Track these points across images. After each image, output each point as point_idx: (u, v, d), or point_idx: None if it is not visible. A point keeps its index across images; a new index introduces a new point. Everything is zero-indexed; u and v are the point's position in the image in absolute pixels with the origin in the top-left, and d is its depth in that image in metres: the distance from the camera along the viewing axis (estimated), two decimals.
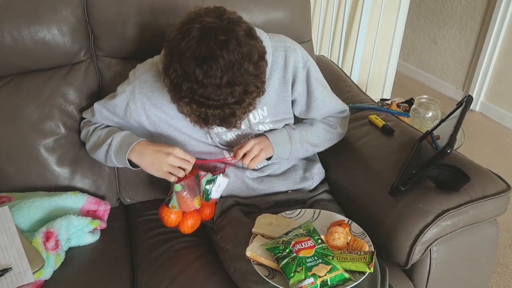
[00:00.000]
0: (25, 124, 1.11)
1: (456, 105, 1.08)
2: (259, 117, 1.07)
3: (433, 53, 3.25)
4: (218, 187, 1.05)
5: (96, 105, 1.08)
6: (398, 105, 1.71)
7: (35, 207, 1.02)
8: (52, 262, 0.94)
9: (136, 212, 1.23)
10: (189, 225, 1.07)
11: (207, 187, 1.03)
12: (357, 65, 2.17)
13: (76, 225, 1.03)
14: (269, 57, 0.96)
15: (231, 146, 1.09)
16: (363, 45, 2.13)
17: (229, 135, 1.08)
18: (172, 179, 1.00)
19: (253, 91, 0.85)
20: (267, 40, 0.98)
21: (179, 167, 0.99)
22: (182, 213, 1.06)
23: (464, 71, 3.02)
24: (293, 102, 1.10)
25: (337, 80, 1.52)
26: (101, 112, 1.07)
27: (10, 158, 1.11)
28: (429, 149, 1.06)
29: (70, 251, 1.02)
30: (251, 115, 1.05)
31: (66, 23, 1.12)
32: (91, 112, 1.10)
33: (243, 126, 1.06)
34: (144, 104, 1.02)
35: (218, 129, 1.06)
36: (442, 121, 1.13)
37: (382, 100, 1.84)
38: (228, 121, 0.86)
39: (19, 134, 1.11)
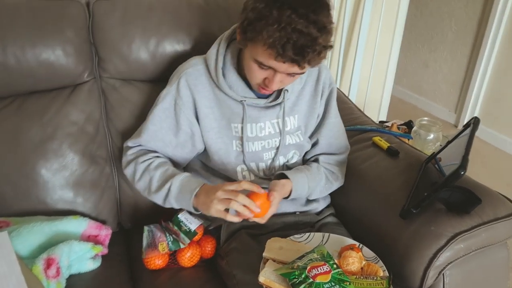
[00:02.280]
0: (26, 146, 1.08)
1: (463, 126, 1.09)
2: (290, 125, 1.10)
3: (425, 76, 3.32)
4: (187, 221, 1.05)
5: (143, 126, 1.05)
6: (398, 127, 1.72)
7: (35, 232, 0.98)
8: None
9: (137, 237, 1.19)
10: (187, 258, 1.04)
11: (181, 226, 1.04)
12: (354, 88, 2.19)
13: (77, 250, 0.99)
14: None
15: (254, 158, 1.09)
16: (360, 69, 2.16)
17: (256, 144, 1.08)
18: (229, 218, 0.92)
19: (329, 32, 0.87)
20: None
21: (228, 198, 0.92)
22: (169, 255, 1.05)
23: (456, 94, 3.08)
24: None
25: (338, 102, 1.52)
26: (149, 129, 1.04)
27: (10, 181, 1.07)
28: (434, 172, 1.05)
29: (71, 279, 0.98)
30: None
31: (70, 44, 1.11)
32: (137, 134, 1.06)
33: (271, 133, 1.08)
34: (188, 96, 1.03)
35: (248, 133, 1.06)
36: (448, 142, 1.13)
37: (381, 122, 1.85)
38: (305, 51, 0.84)
39: (20, 156, 1.07)
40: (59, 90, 1.14)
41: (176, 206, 1.01)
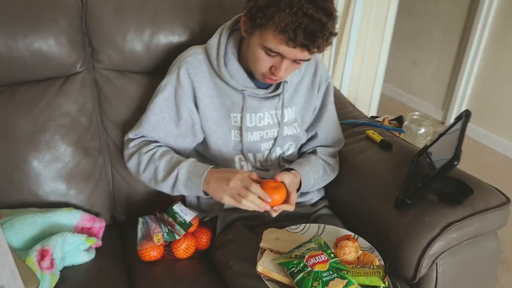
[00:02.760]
0: (18, 137, 1.06)
1: (454, 119, 1.11)
2: (288, 116, 1.11)
3: (413, 74, 3.36)
4: (182, 212, 1.05)
5: (144, 116, 1.05)
6: (389, 122, 1.74)
7: (28, 224, 0.97)
8: (47, 282, 0.88)
9: (131, 230, 1.18)
10: (183, 249, 1.04)
11: (176, 217, 1.04)
12: (345, 85, 2.21)
13: (71, 242, 0.97)
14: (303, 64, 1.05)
15: (251, 148, 1.09)
16: (351, 66, 2.18)
17: (254, 134, 1.08)
18: (244, 207, 0.92)
19: (335, 19, 0.89)
20: None
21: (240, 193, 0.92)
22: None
23: (443, 92, 3.13)
24: None
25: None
26: (150, 120, 1.04)
27: (1, 172, 1.05)
28: (426, 164, 1.07)
29: (65, 271, 0.97)
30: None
31: (63, 33, 1.09)
32: (137, 125, 1.06)
33: (270, 123, 1.09)
34: (187, 85, 1.03)
35: (247, 123, 1.06)
36: (440, 135, 1.15)
37: (373, 117, 1.87)
38: (316, 36, 0.85)
39: (11, 147, 1.05)
40: (52, 80, 1.13)
41: (185, 193, 1.01)
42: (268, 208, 0.93)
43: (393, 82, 3.57)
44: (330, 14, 0.87)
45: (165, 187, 1.01)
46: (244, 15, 0.94)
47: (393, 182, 1.09)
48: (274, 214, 0.96)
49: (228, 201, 0.92)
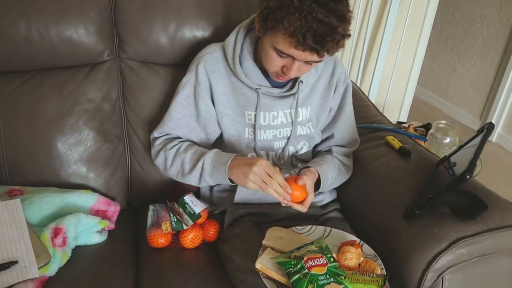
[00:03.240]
0: (44, 119, 1.12)
1: (477, 131, 1.06)
2: (302, 116, 1.11)
3: (452, 80, 3.24)
4: (192, 204, 1.07)
5: (167, 114, 1.09)
6: (415, 129, 1.69)
7: (46, 203, 1.02)
8: (58, 259, 0.93)
9: (144, 216, 1.22)
10: (190, 239, 1.06)
11: (186, 208, 1.07)
12: (375, 87, 2.16)
13: (85, 223, 1.02)
14: (320, 63, 1.07)
15: (264, 146, 1.11)
16: (382, 68, 2.13)
17: (268, 132, 1.09)
18: (267, 192, 0.93)
19: (347, 21, 0.88)
20: None
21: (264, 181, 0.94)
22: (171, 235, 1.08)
23: (482, 101, 2.99)
24: None
25: (355, 99, 1.49)
26: (173, 117, 1.08)
27: (26, 152, 1.11)
28: (445, 175, 1.04)
29: (77, 250, 1.02)
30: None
31: (92, 23, 1.14)
32: (161, 124, 1.10)
33: (283, 122, 1.09)
34: (205, 82, 1.06)
35: (261, 121, 1.07)
36: (461, 147, 1.11)
37: (399, 123, 1.82)
38: (325, 40, 0.85)
39: (38, 129, 1.12)
40: (79, 67, 1.18)
41: (212, 182, 1.04)
42: (288, 198, 0.94)
43: (430, 87, 3.45)
44: (342, 16, 0.86)
45: (192, 179, 1.05)
46: (258, 15, 0.94)
47: (406, 191, 1.07)
48: (283, 205, 0.96)
49: (251, 186, 0.93)
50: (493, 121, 2.87)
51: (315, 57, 0.90)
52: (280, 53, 0.92)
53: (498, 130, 2.88)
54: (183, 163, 1.05)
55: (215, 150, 1.04)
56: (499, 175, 2.53)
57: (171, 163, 1.07)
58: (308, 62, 0.94)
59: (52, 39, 1.10)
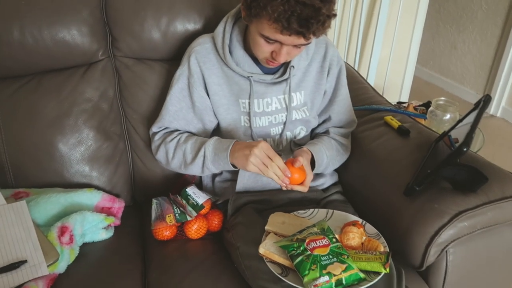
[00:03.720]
0: (44, 122, 1.14)
1: (474, 104, 1.06)
2: (296, 101, 1.11)
3: (453, 58, 3.21)
4: (195, 195, 1.08)
5: (163, 108, 1.10)
6: (415, 108, 1.69)
7: (52, 203, 1.04)
8: (66, 256, 0.95)
9: (149, 211, 1.23)
10: (194, 230, 1.08)
11: (189, 199, 1.08)
12: (373, 68, 2.15)
13: (90, 220, 1.04)
14: (311, 47, 1.09)
15: (261, 133, 1.12)
16: (380, 49, 2.12)
17: (263, 119, 1.10)
18: (267, 175, 0.94)
19: (331, 1, 0.88)
20: None
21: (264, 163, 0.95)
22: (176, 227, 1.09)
23: (485, 76, 2.96)
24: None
25: (353, 82, 1.50)
26: (170, 111, 1.09)
27: (29, 155, 1.13)
28: (445, 151, 1.04)
29: (84, 247, 1.04)
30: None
31: (85, 23, 1.15)
32: (159, 118, 1.11)
33: (278, 108, 1.09)
34: (198, 73, 1.06)
35: (255, 108, 1.08)
36: (459, 121, 1.10)
37: (399, 103, 1.82)
38: (310, 22, 0.85)
39: (38, 131, 1.13)
40: (75, 68, 1.19)
41: (215, 170, 1.05)
42: (287, 182, 0.95)
43: (431, 66, 3.42)
44: None
45: (195, 168, 1.06)
46: (242, 3, 0.95)
47: (406, 169, 1.07)
48: (284, 189, 0.98)
49: (252, 169, 0.94)
50: (497, 96, 2.85)
51: (302, 41, 0.90)
52: (267, 39, 0.92)
53: (502, 104, 2.85)
54: (185, 153, 1.06)
55: (215, 137, 1.04)
56: (505, 149, 2.51)
57: (173, 156, 1.08)
58: (296, 46, 0.94)
59: (46, 42, 1.11)
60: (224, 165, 1.01)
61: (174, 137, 1.09)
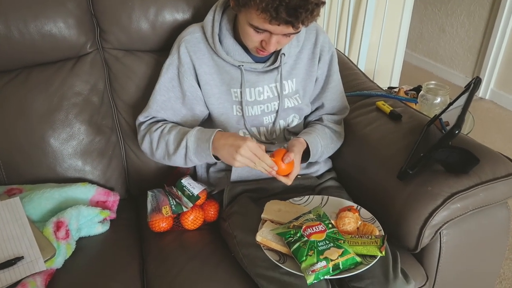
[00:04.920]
0: (34, 117, 1.12)
1: (464, 87, 1.07)
2: (288, 89, 1.11)
3: (441, 41, 3.22)
4: (190, 186, 1.08)
5: (151, 98, 1.08)
6: (406, 93, 1.69)
7: (46, 198, 1.04)
8: (63, 251, 0.95)
9: (144, 203, 1.23)
10: (191, 221, 1.08)
11: (184, 191, 1.08)
12: (363, 54, 2.15)
13: (86, 215, 1.04)
14: (301, 34, 1.09)
15: (254, 122, 1.11)
16: (369, 34, 2.12)
17: (255, 108, 1.09)
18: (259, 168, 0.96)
19: None
20: None
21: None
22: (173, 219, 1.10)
23: (473, 59, 2.98)
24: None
25: (343, 69, 1.50)
26: (157, 100, 1.07)
27: (21, 151, 1.12)
28: (437, 134, 1.05)
29: (81, 241, 1.03)
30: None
31: (71, 15, 1.12)
32: (146, 107, 1.09)
33: (270, 96, 1.09)
34: (188, 63, 1.06)
35: (247, 97, 1.08)
36: (450, 104, 1.11)
37: (390, 88, 1.82)
38: (298, 11, 0.85)
39: (29, 127, 1.12)
40: (63, 61, 1.17)
41: (198, 162, 1.04)
42: (274, 174, 0.97)
43: (420, 51, 3.43)
44: None
45: (178, 159, 1.04)
46: None
47: (399, 153, 1.08)
48: (269, 175, 0.99)
49: (239, 165, 0.95)
50: (485, 78, 2.87)
51: (291, 30, 0.90)
52: (256, 29, 0.92)
53: (491, 86, 2.88)
54: (168, 144, 1.04)
55: (198, 127, 1.03)
56: (494, 131, 2.54)
57: (156, 146, 1.06)
58: (286, 35, 0.93)
59: (32, 36, 1.09)
60: (207, 157, 1.00)
61: (159, 127, 1.07)
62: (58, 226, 0.97)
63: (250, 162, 0.94)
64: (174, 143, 1.03)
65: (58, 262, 0.94)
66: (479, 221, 1.01)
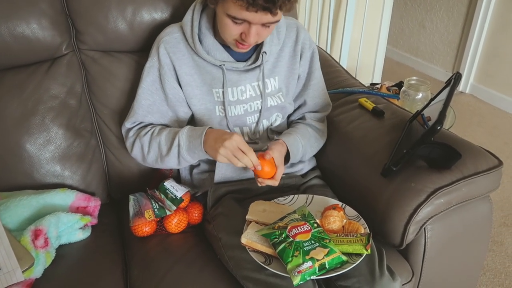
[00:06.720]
0: (8, 122, 1.08)
1: (445, 83, 1.07)
2: (271, 87, 1.10)
3: (422, 37, 3.25)
4: (173, 188, 1.07)
5: (135, 103, 1.06)
6: (388, 89, 1.70)
7: (23, 206, 1.00)
8: (42, 260, 0.92)
9: (126, 207, 1.20)
10: (174, 224, 1.06)
11: (167, 193, 1.06)
12: (345, 51, 2.16)
13: (65, 222, 1.01)
14: (282, 31, 1.08)
15: (237, 122, 1.10)
16: (351, 31, 2.12)
17: (238, 108, 1.08)
18: (240, 164, 0.93)
19: None
20: (282, 18, 1.06)
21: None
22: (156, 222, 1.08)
23: (453, 54, 3.03)
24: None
25: (325, 66, 1.50)
26: (142, 104, 1.05)
27: None
28: (420, 130, 1.05)
29: (61, 249, 1.00)
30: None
31: (45, 16, 1.09)
32: (131, 113, 1.07)
33: (252, 95, 1.08)
34: (169, 64, 1.03)
35: (230, 97, 1.06)
36: (431, 99, 1.12)
37: (372, 84, 1.83)
38: None
39: (3, 132, 1.08)
40: (38, 64, 1.13)
41: (191, 160, 1.02)
42: (259, 168, 0.94)
43: (401, 46, 3.47)
44: None
45: (172, 160, 1.03)
46: None
47: (382, 150, 1.08)
48: (260, 185, 0.98)
49: (222, 160, 0.93)
50: (465, 73, 2.92)
51: (269, 17, 0.88)
52: (234, 19, 0.90)
53: (470, 80, 2.93)
54: (160, 145, 1.03)
55: (188, 126, 1.02)
56: (474, 125, 2.58)
57: (148, 150, 1.05)
58: (265, 25, 0.92)
59: (4, 37, 1.05)
60: (199, 153, 0.98)
61: (148, 131, 1.05)
62: (37, 234, 0.93)
63: (232, 157, 0.91)
64: (167, 144, 1.01)
65: (37, 271, 0.91)
66: (462, 215, 1.02)
